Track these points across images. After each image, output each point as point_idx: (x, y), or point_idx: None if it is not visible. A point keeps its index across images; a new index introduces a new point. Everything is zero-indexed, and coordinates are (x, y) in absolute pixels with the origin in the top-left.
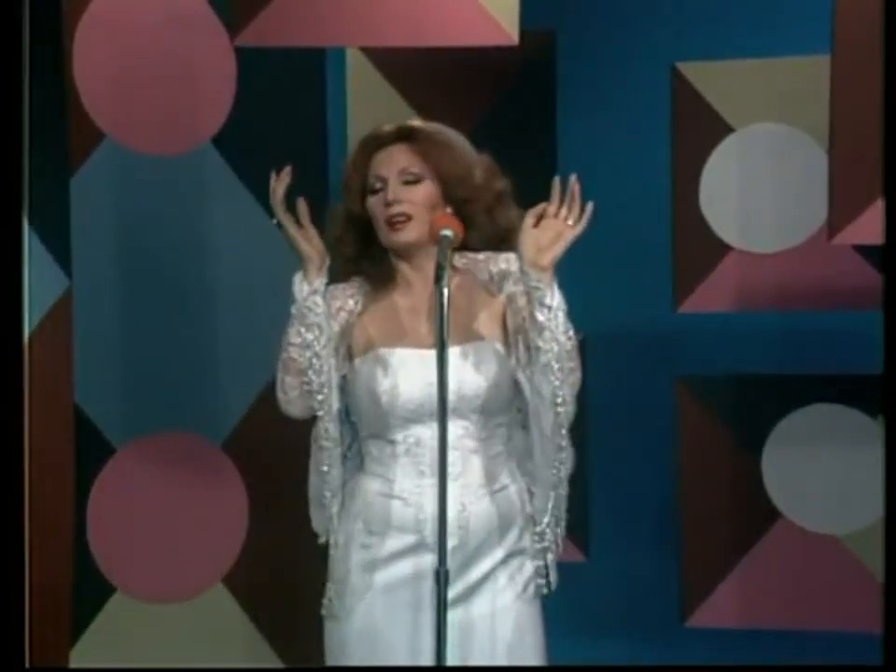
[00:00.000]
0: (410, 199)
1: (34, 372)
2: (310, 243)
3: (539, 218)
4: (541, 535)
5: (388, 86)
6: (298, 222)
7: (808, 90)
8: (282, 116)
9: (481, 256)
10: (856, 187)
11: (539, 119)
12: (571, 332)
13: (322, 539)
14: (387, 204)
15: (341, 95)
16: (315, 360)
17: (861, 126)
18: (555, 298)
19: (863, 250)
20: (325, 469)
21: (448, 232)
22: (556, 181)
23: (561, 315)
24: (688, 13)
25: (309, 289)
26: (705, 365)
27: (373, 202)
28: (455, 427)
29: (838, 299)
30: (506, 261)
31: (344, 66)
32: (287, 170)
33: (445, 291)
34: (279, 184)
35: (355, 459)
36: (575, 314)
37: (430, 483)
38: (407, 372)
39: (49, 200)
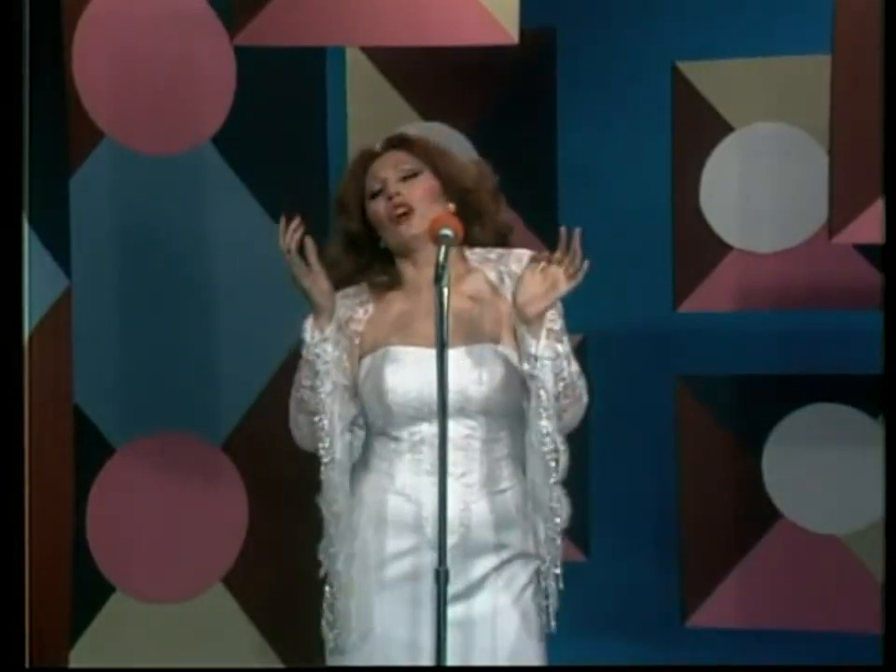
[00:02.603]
0: (410, 192)
1: (33, 372)
2: (318, 286)
3: (540, 266)
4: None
5: (388, 85)
6: (306, 262)
7: (808, 89)
8: (282, 115)
9: (492, 254)
10: (856, 186)
11: (539, 119)
12: (565, 373)
13: (322, 572)
14: (389, 198)
15: (341, 95)
16: (321, 406)
17: (861, 125)
18: (541, 346)
19: (864, 249)
20: (334, 513)
21: (448, 232)
22: (563, 230)
23: (548, 364)
24: (688, 12)
25: (320, 336)
26: (705, 364)
27: (374, 205)
28: (461, 427)
29: (838, 298)
30: (517, 261)
31: (344, 66)
32: (298, 222)
33: (445, 291)
34: (292, 237)
35: (360, 457)
36: (575, 313)
37: (432, 481)
38: (411, 371)
39: (48, 199)
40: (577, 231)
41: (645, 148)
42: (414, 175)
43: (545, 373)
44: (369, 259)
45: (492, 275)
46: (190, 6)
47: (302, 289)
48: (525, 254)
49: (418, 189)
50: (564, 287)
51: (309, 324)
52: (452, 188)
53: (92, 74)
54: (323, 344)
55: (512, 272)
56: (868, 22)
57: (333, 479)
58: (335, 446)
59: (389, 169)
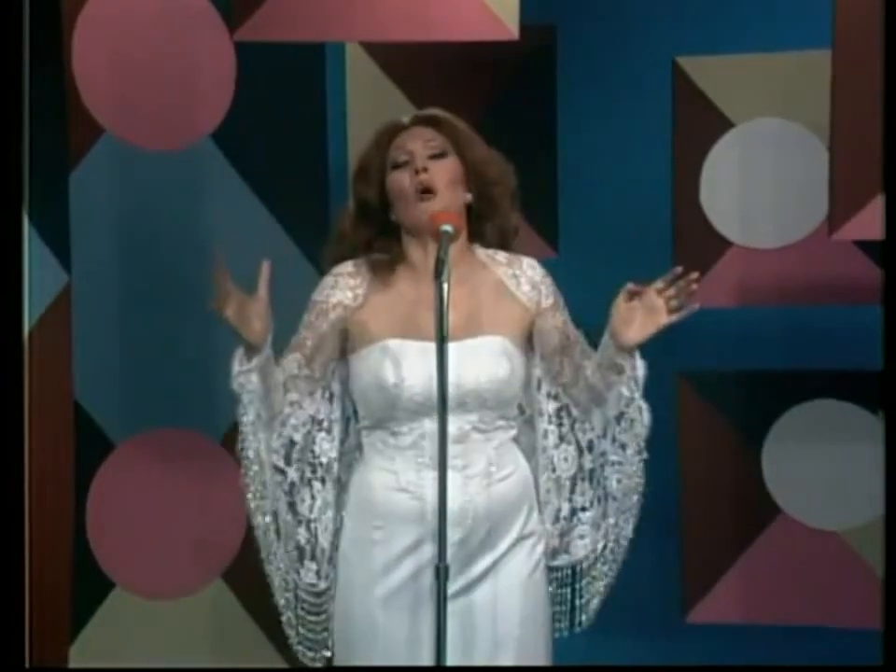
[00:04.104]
0: (437, 172)
1: (33, 368)
2: (252, 327)
3: (632, 296)
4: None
5: (388, 81)
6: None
7: (809, 84)
8: (281, 111)
9: (499, 256)
10: (856, 182)
11: (539, 115)
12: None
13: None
14: (416, 172)
15: (340, 90)
16: (244, 436)
17: (861, 121)
18: (639, 369)
19: (864, 245)
20: (266, 540)
21: (448, 227)
22: (679, 269)
23: (641, 385)
24: (688, 8)
25: (246, 366)
26: (706, 361)
27: (397, 176)
28: (461, 421)
29: (839, 294)
30: (531, 268)
31: (344, 61)
32: (223, 272)
33: (445, 286)
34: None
35: (353, 452)
36: (576, 309)
37: (435, 476)
38: (414, 364)
39: (48, 195)
40: (695, 274)
41: (645, 144)
42: (443, 155)
43: (640, 396)
44: (375, 231)
45: (504, 277)
46: (190, 1)
47: (231, 325)
48: (535, 263)
49: (445, 172)
50: (664, 319)
51: (238, 355)
52: (475, 176)
53: (92, 69)
54: (248, 374)
55: (530, 277)
56: (868, 18)
57: (258, 506)
58: (259, 477)
59: (418, 142)
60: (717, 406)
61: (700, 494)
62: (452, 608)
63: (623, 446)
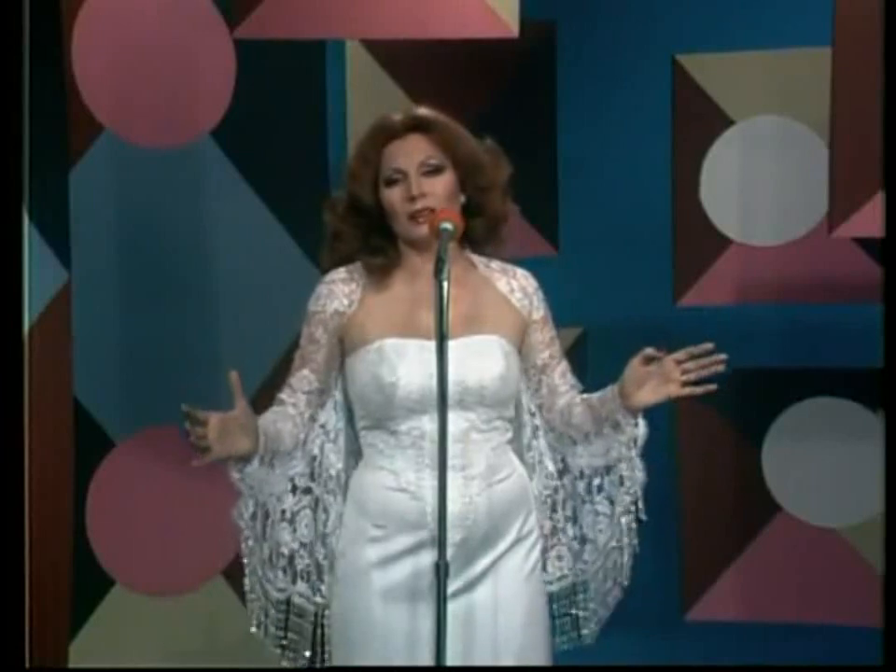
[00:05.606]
0: (432, 191)
1: (33, 366)
2: (237, 442)
3: (649, 361)
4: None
5: (388, 78)
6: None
7: (809, 82)
8: (281, 108)
9: (493, 264)
10: (856, 180)
11: (539, 112)
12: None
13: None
14: (411, 199)
15: (340, 87)
16: (243, 531)
17: (861, 119)
18: (641, 428)
19: (864, 243)
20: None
21: (448, 226)
22: (707, 347)
23: (640, 446)
24: (688, 5)
25: (248, 469)
26: None
27: (391, 194)
28: (460, 420)
29: (838, 292)
30: (524, 278)
31: (344, 58)
32: (194, 412)
33: (445, 284)
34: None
35: (353, 451)
36: (575, 307)
37: (434, 476)
38: (410, 363)
39: (48, 193)
40: (723, 356)
41: (645, 142)
42: (438, 171)
43: (637, 455)
44: (368, 232)
45: (498, 283)
46: None
47: (218, 458)
48: (528, 274)
49: (440, 188)
50: (675, 391)
51: (230, 465)
52: (468, 179)
53: (92, 67)
54: (251, 474)
55: (523, 286)
56: (869, 16)
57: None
58: (258, 572)
59: (411, 160)
60: (716, 404)
61: (700, 492)
62: (452, 607)
63: (611, 500)
